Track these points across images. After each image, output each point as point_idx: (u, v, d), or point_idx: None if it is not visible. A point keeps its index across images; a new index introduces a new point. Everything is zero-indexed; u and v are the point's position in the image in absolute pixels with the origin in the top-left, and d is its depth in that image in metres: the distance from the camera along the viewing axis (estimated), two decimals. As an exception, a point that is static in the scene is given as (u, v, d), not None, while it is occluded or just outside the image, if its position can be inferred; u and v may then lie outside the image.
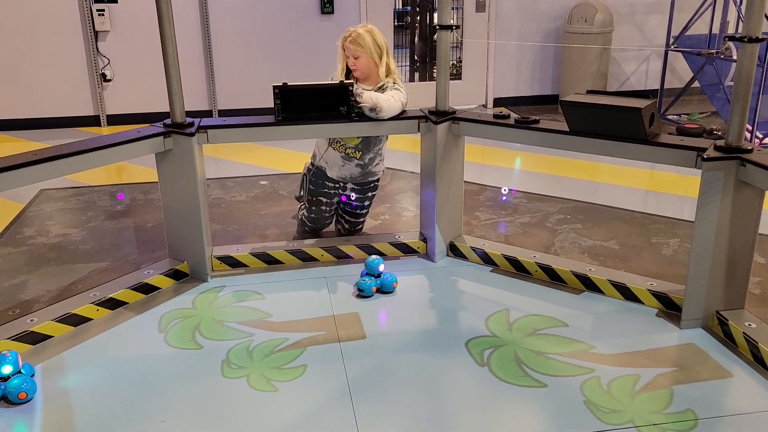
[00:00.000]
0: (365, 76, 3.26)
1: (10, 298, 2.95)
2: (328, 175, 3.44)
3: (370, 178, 3.48)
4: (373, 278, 2.97)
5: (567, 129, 2.81)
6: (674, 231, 3.65)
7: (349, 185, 3.46)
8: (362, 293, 2.94)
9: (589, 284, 2.95)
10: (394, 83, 3.23)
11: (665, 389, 2.27)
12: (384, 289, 2.97)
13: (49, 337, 2.60)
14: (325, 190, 3.47)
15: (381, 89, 3.21)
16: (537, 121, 2.94)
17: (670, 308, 2.76)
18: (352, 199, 3.47)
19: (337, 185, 3.47)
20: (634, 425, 2.09)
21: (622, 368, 2.39)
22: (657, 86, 6.48)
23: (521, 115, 3.14)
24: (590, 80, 6.51)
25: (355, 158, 3.37)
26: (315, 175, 3.47)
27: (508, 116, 3.06)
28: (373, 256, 3.05)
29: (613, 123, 2.64)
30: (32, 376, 2.34)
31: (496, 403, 2.22)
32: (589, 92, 2.89)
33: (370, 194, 3.52)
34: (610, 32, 6.56)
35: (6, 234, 3.69)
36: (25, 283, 3.10)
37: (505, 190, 4.31)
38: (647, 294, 2.81)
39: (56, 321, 2.62)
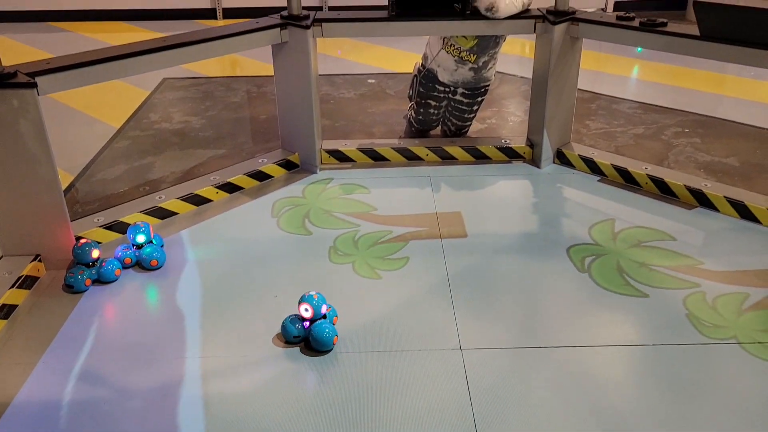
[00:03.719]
0: None
1: (140, 177, 3.21)
2: (440, 78, 3.39)
3: (482, 84, 3.41)
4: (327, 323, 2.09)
5: (698, 34, 2.62)
6: (804, 151, 3.40)
7: (460, 89, 3.41)
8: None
9: (702, 200, 2.83)
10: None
11: (775, 310, 2.20)
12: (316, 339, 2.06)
13: (175, 213, 2.83)
14: (435, 93, 3.44)
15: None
16: (665, 24, 2.75)
17: (790, 230, 2.63)
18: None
19: (447, 89, 3.43)
20: (738, 341, 2.06)
21: (730, 285, 2.33)
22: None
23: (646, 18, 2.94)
24: (726, -17, 5.91)
25: (470, 62, 3.29)
26: (426, 78, 3.43)
27: (633, 18, 2.87)
28: (311, 294, 2.10)
29: (755, 28, 2.43)
30: (162, 246, 2.58)
31: (595, 309, 2.25)
32: (728, -7, 2.65)
33: (479, 99, 3.46)
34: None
35: (134, 118, 3.96)
36: (152, 164, 3.35)
37: None
38: (767, 214, 2.67)
39: (181, 199, 2.85)
